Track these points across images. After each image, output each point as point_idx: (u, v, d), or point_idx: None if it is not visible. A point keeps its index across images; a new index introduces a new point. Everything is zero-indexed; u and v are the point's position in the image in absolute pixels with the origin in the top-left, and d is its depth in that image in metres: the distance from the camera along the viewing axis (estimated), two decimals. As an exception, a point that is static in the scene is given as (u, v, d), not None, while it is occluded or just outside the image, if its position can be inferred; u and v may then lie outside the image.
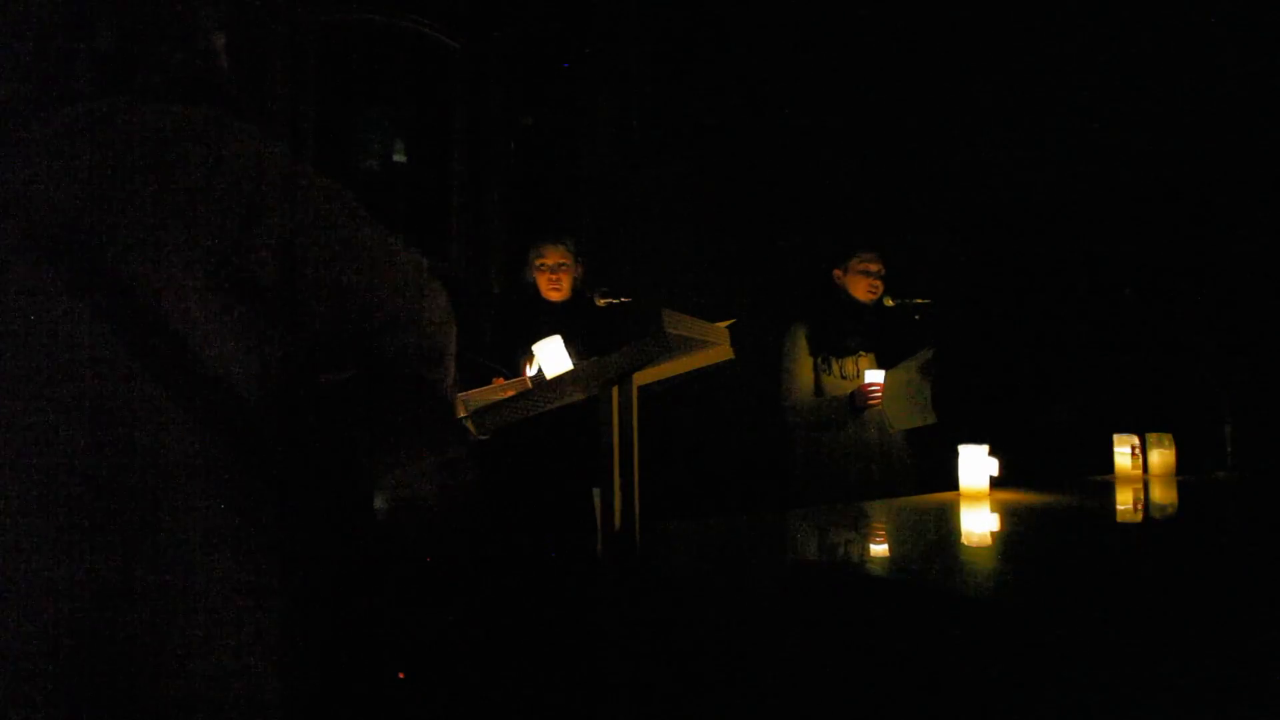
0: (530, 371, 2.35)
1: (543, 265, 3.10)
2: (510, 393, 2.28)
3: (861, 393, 2.92)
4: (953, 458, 2.14)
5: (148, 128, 0.94)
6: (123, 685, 0.86)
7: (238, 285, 0.93)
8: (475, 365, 2.68)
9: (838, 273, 3.13)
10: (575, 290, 3.14)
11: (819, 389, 3.05)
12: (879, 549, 1.72)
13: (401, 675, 2.52)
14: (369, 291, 0.99)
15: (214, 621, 0.89)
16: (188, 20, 1.04)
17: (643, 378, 1.73)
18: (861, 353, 3.09)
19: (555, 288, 3.09)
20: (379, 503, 0.99)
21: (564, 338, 2.20)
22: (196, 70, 1.03)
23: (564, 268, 3.10)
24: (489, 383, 2.45)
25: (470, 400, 2.23)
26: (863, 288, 3.07)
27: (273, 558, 0.95)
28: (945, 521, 1.93)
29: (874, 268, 3.07)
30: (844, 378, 3.05)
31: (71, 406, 0.88)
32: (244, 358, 0.94)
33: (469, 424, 2.15)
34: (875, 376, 2.91)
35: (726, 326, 1.81)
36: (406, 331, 1.02)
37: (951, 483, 2.14)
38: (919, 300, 3.05)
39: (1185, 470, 2.47)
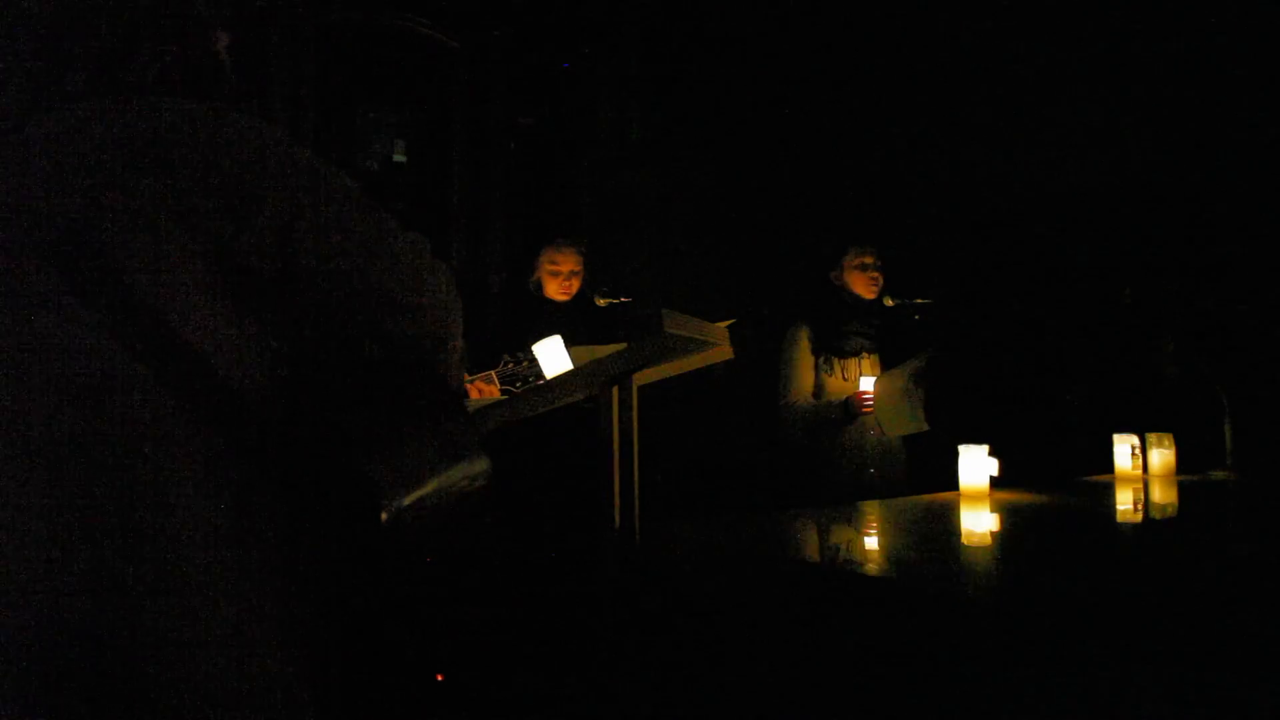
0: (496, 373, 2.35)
1: (556, 270, 3.09)
2: (481, 389, 2.28)
3: (855, 400, 2.91)
4: (953, 458, 2.14)
5: (143, 124, 0.93)
6: (119, 685, 0.86)
7: (238, 278, 0.93)
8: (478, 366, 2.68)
9: (834, 274, 3.10)
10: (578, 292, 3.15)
11: (820, 390, 3.01)
12: (879, 549, 1.72)
13: (440, 677, 2.52)
14: (365, 276, 0.98)
15: (214, 621, 0.89)
16: (185, 16, 1.03)
17: (643, 378, 1.73)
18: (865, 354, 3.06)
19: (566, 291, 3.09)
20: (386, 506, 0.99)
21: (568, 338, 2.20)
22: (194, 65, 1.03)
23: (576, 274, 3.11)
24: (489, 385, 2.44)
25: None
26: (862, 283, 3.03)
27: (277, 556, 0.94)
28: (945, 521, 1.93)
29: (869, 260, 3.03)
30: (846, 379, 3.01)
31: (73, 409, 0.88)
32: (247, 352, 0.94)
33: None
34: (868, 385, 2.90)
35: (726, 326, 1.80)
36: (406, 315, 1.01)
37: (951, 483, 2.14)
38: (919, 300, 3.04)
39: (1185, 470, 2.47)
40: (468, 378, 2.32)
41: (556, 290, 3.10)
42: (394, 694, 2.53)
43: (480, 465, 1.05)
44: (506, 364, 2.40)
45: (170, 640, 0.87)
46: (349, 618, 1.04)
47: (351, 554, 0.97)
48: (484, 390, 2.27)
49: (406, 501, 0.95)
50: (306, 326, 0.97)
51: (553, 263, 3.11)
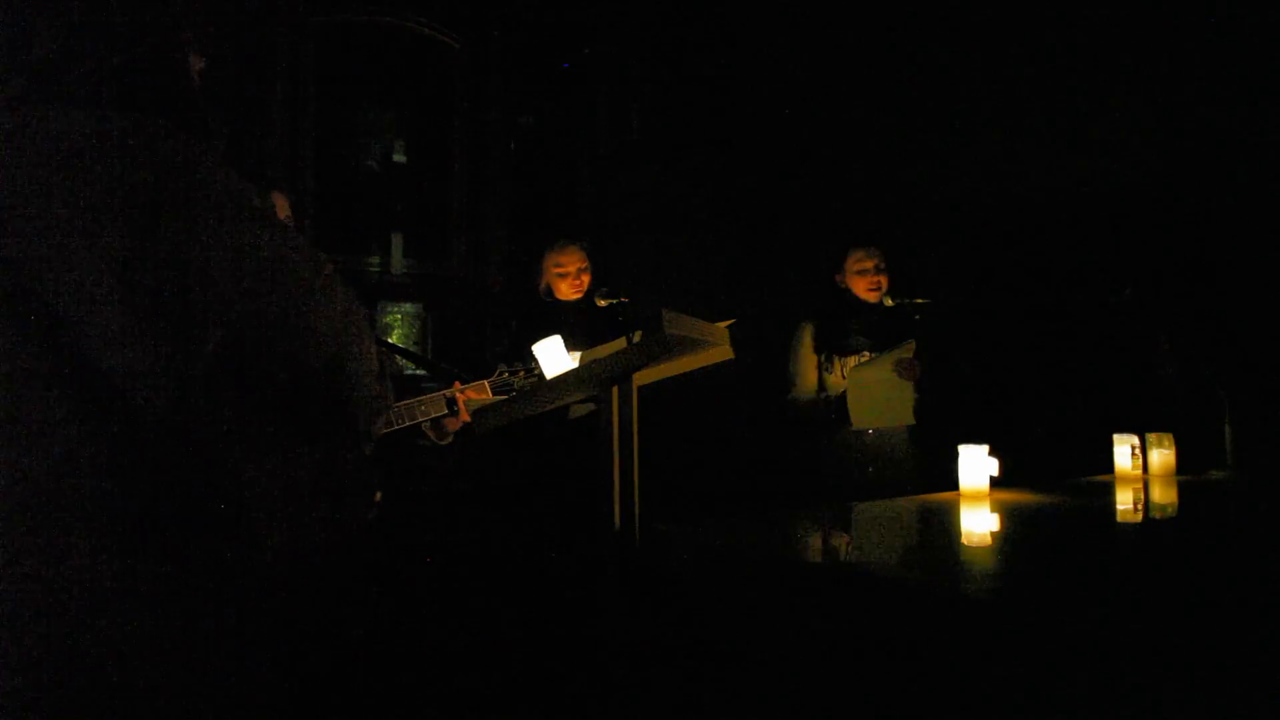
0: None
1: (564, 271, 3.08)
2: (471, 395, 2.28)
3: None
4: (953, 458, 2.14)
5: (62, 134, 0.93)
6: (107, 691, 0.86)
7: (146, 295, 0.92)
8: (435, 367, 2.66)
9: (838, 276, 3.16)
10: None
11: (821, 387, 3.08)
12: (879, 549, 1.72)
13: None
14: (265, 297, 0.98)
15: (107, 630, 0.90)
16: (133, 28, 1.02)
17: (643, 378, 1.73)
18: (865, 352, 3.10)
19: (578, 289, 3.09)
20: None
21: (576, 339, 2.19)
22: (140, 74, 1.01)
23: (585, 270, 3.11)
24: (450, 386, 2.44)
25: (423, 404, 2.24)
26: (863, 286, 3.10)
27: (171, 573, 0.94)
28: (945, 521, 1.93)
29: (869, 264, 3.09)
30: (846, 377, 3.07)
31: None
32: (149, 369, 0.92)
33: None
34: None
35: (726, 326, 1.80)
36: (300, 338, 1.01)
37: (951, 483, 2.14)
38: (919, 300, 3.06)
39: (1185, 470, 2.47)
40: (459, 386, 2.32)
41: (569, 290, 3.09)
42: (392, 694, 2.53)
43: (364, 496, 1.06)
44: (501, 373, 2.40)
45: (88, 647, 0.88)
46: (342, 621, 1.04)
47: (250, 567, 0.98)
48: (475, 397, 2.27)
49: (276, 541, 0.96)
50: (208, 345, 0.95)
51: (558, 265, 3.09)
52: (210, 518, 0.96)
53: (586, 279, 3.11)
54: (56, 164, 0.91)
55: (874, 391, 2.94)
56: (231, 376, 0.97)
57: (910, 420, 2.98)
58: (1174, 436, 2.47)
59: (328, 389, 1.04)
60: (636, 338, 1.58)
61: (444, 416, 2.27)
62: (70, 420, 0.90)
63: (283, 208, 2.18)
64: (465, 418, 2.28)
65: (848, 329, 3.10)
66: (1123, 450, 2.43)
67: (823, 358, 3.09)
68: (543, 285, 3.15)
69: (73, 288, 0.89)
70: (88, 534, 0.89)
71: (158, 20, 1.04)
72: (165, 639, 0.92)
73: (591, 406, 1.84)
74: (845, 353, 3.09)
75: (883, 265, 3.09)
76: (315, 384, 1.03)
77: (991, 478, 2.10)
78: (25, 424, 0.89)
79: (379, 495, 1.10)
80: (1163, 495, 2.27)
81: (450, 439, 2.38)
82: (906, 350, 2.92)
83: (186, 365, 0.94)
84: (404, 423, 2.21)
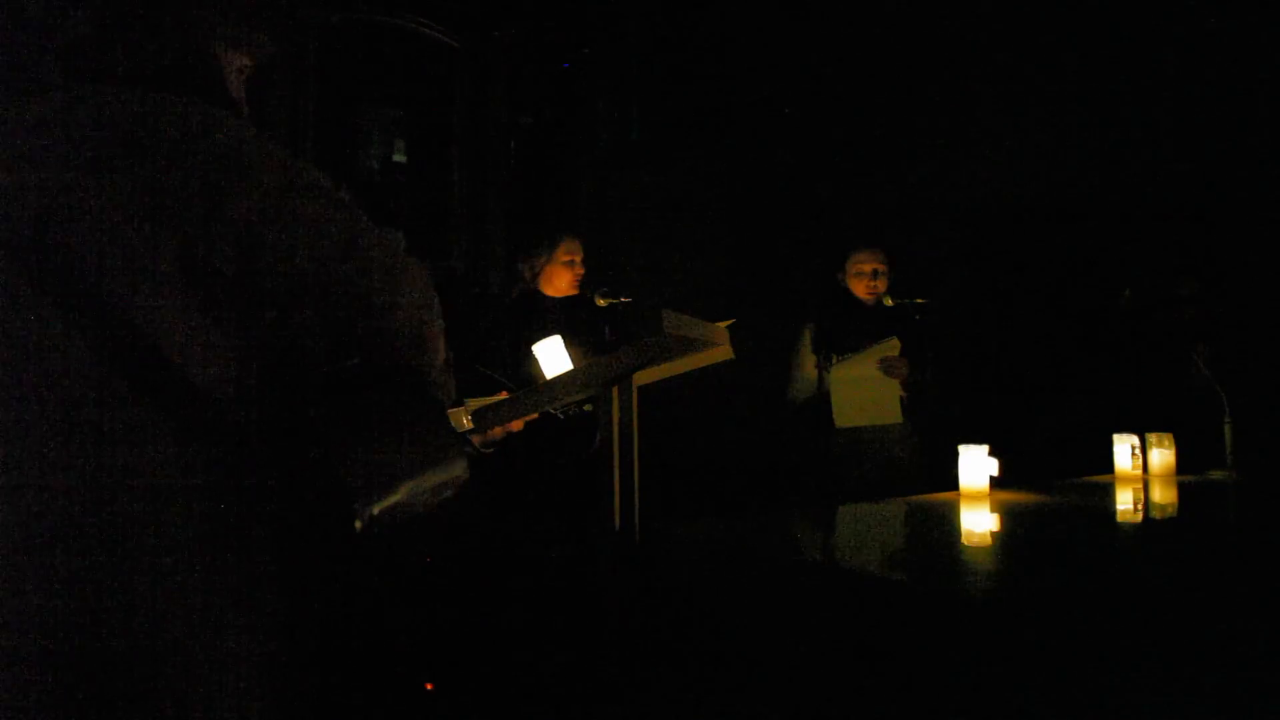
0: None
1: (572, 260, 3.03)
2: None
3: None
4: (953, 458, 2.14)
5: (114, 116, 0.91)
6: (105, 679, 0.86)
7: (206, 276, 0.90)
8: (480, 377, 2.65)
9: (839, 276, 3.20)
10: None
11: (821, 387, 3.09)
12: (879, 549, 1.72)
13: (430, 686, 2.52)
14: (337, 275, 0.95)
15: (191, 618, 0.89)
16: (166, 12, 1.01)
17: (643, 378, 1.73)
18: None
19: (575, 284, 3.04)
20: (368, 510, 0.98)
21: (570, 337, 2.19)
22: (174, 58, 1.00)
23: (583, 260, 3.07)
24: (494, 394, 2.43)
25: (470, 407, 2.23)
26: (861, 287, 3.13)
27: (250, 557, 0.93)
28: (945, 521, 1.93)
29: (868, 267, 3.11)
30: (830, 373, 3.11)
31: (42, 414, 0.86)
32: (216, 353, 0.91)
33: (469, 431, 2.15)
34: None
35: (726, 326, 1.80)
36: (381, 317, 0.98)
37: (951, 483, 2.14)
38: (919, 300, 3.06)
39: (1185, 470, 2.47)
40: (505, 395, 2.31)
41: (570, 284, 3.03)
42: (391, 694, 2.53)
43: (456, 470, 1.03)
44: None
45: (148, 635, 0.87)
46: (329, 617, 1.03)
47: (328, 556, 0.96)
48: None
49: (377, 510, 0.93)
50: (278, 328, 0.94)
51: (569, 254, 3.03)
52: (284, 504, 0.94)
53: (583, 272, 3.07)
54: (111, 146, 0.89)
55: (858, 389, 2.95)
56: (304, 356, 0.95)
57: (898, 419, 2.99)
58: (1174, 436, 2.47)
59: (410, 370, 1.02)
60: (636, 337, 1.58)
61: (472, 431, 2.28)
62: (130, 409, 0.88)
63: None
64: (515, 426, 2.30)
65: (848, 329, 3.11)
66: (1123, 450, 2.43)
67: (821, 358, 3.11)
68: (536, 276, 3.07)
69: (132, 275, 0.87)
70: (155, 526, 0.88)
71: (186, 8, 1.03)
72: (227, 624, 0.91)
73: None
74: (844, 353, 3.11)
75: (882, 269, 3.11)
76: (397, 364, 1.01)
77: (991, 478, 2.10)
78: (83, 415, 0.87)
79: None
80: (1163, 495, 2.27)
81: (492, 450, 2.40)
82: (891, 348, 2.93)
83: (250, 349, 0.92)
84: None
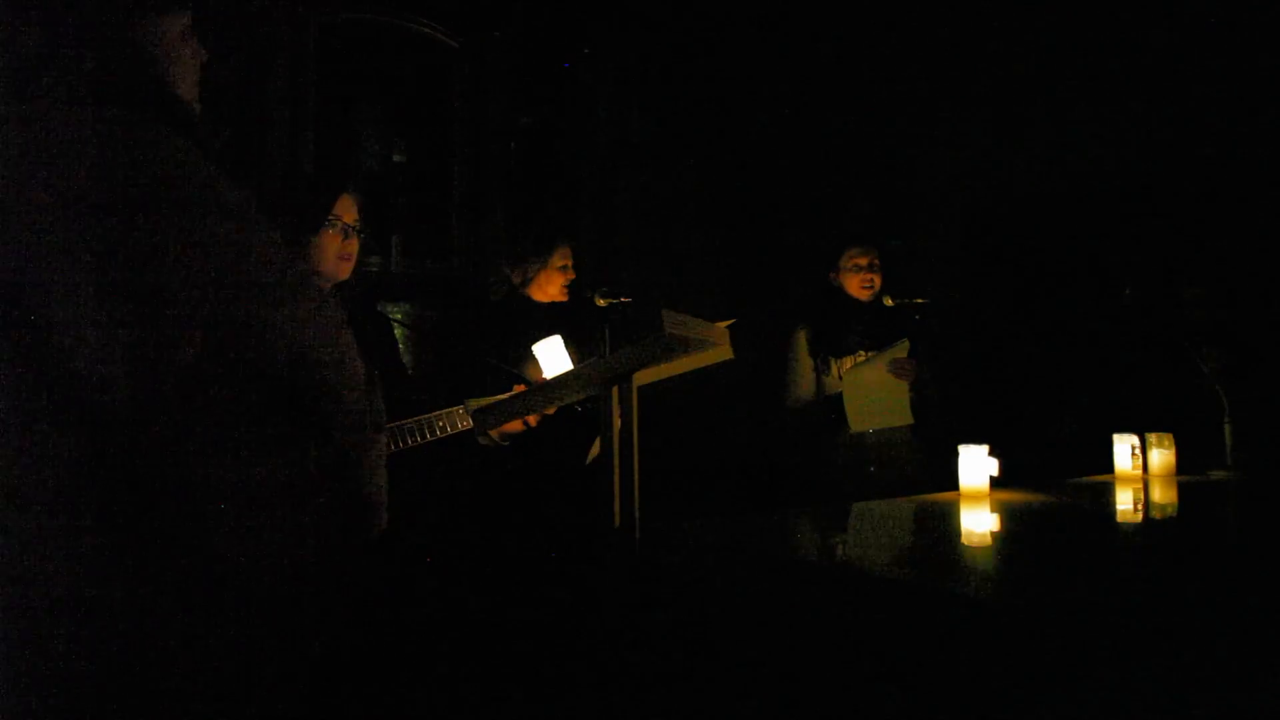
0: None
1: (565, 266, 3.04)
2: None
3: None
4: (953, 458, 2.14)
5: (41, 129, 0.93)
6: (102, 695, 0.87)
7: (119, 294, 0.92)
8: (496, 370, 2.63)
9: (833, 275, 3.14)
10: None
11: (819, 390, 3.06)
12: (879, 549, 1.72)
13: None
14: (222, 296, 0.97)
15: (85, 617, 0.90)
16: (110, 23, 1.02)
17: (643, 378, 1.73)
18: (861, 352, 3.09)
19: (567, 291, 3.04)
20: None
21: (565, 338, 2.19)
22: (115, 73, 1.01)
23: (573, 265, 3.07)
24: (508, 390, 2.42)
25: (441, 420, 2.24)
26: (855, 284, 3.08)
27: (136, 559, 0.94)
28: (945, 521, 1.93)
29: (863, 262, 3.08)
30: (842, 378, 3.06)
31: None
32: (121, 357, 0.92)
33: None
34: None
35: (726, 326, 1.80)
36: (259, 336, 1.00)
37: (951, 483, 2.14)
38: (918, 300, 3.05)
39: (1185, 470, 2.47)
40: (520, 390, 2.31)
41: (560, 290, 3.03)
42: (389, 694, 2.53)
43: (345, 505, 1.06)
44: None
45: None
46: (328, 617, 1.03)
47: (327, 557, 0.98)
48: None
49: (235, 544, 0.97)
50: (183, 348, 0.96)
51: (564, 260, 3.04)
52: (170, 520, 0.95)
53: (573, 277, 3.07)
54: (34, 158, 0.91)
55: (871, 393, 2.94)
56: (203, 378, 0.97)
57: (909, 420, 2.98)
58: (1174, 436, 2.47)
59: (295, 392, 1.04)
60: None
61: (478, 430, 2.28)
62: (41, 418, 0.89)
63: (350, 210, 2.07)
64: (532, 422, 2.33)
65: (843, 329, 3.08)
66: (1123, 450, 2.43)
67: (818, 360, 3.08)
68: (522, 284, 3.05)
69: (50, 285, 0.89)
70: (54, 534, 0.88)
71: (139, 15, 1.04)
72: (126, 635, 0.92)
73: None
74: (841, 353, 3.07)
75: (877, 263, 3.08)
76: (280, 387, 1.03)
77: (991, 478, 2.10)
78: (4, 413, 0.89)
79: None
80: (1163, 495, 2.27)
81: (509, 443, 2.44)
82: (900, 350, 2.92)
83: (157, 368, 0.94)
84: (418, 439, 2.19)
